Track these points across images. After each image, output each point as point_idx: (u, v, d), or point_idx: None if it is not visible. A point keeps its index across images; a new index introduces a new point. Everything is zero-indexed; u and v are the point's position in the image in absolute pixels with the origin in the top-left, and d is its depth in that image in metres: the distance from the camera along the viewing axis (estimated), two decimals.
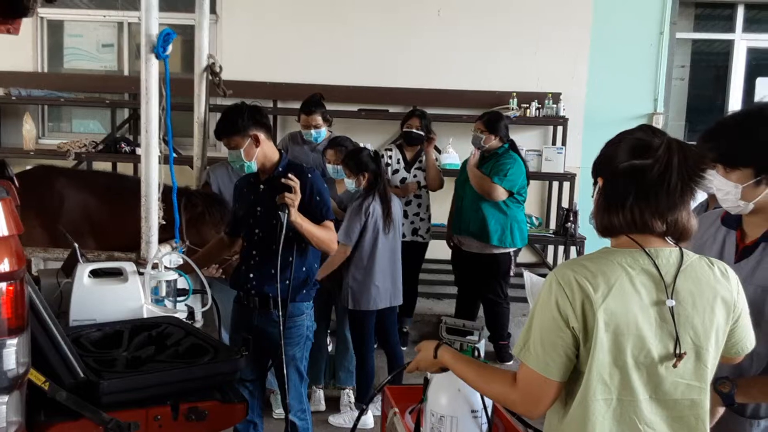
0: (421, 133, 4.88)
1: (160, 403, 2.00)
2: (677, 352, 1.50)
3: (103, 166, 6.22)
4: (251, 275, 3.13)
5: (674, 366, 1.51)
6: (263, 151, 3.08)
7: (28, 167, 4.59)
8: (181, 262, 3.96)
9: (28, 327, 1.74)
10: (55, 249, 3.69)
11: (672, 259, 1.55)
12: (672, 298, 1.51)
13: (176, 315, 2.62)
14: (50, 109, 7.05)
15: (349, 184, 3.98)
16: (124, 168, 6.27)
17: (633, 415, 1.52)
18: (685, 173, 1.52)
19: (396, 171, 4.94)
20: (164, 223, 3.51)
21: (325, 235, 3.07)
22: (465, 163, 4.95)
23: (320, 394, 4.30)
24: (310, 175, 3.10)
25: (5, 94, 6.52)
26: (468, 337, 1.84)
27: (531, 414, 1.60)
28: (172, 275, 2.78)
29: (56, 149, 6.12)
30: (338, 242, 3.64)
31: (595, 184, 1.66)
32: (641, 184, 1.52)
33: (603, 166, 1.63)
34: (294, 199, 2.93)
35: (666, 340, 1.52)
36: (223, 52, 6.55)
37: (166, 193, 3.65)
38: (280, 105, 6.48)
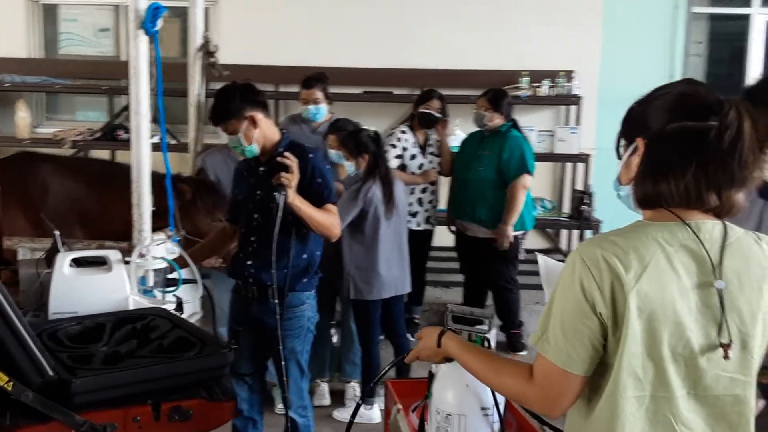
0: (440, 115, 4.68)
1: (139, 403, 1.82)
2: (724, 341, 1.30)
3: (100, 154, 6.03)
4: (249, 263, 2.95)
5: (725, 358, 1.30)
6: (262, 132, 2.88)
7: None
8: (176, 251, 3.80)
9: None
10: (43, 239, 3.51)
11: (715, 234, 1.34)
12: (720, 279, 1.30)
13: (164, 306, 2.44)
14: (47, 97, 6.87)
15: (349, 167, 3.79)
16: (123, 156, 6.08)
17: (668, 413, 1.32)
18: (756, 142, 1.30)
19: (413, 156, 4.71)
20: (153, 209, 3.34)
21: (326, 219, 2.87)
22: (464, 143, 4.76)
23: (325, 387, 4.12)
24: (311, 156, 2.90)
25: None
26: (477, 327, 1.65)
27: (550, 413, 1.40)
28: (161, 264, 2.60)
29: (52, 138, 5.94)
30: None
31: (626, 145, 1.42)
32: (704, 151, 1.30)
33: (642, 124, 1.39)
34: (291, 179, 2.71)
35: (708, 328, 1.31)
36: (222, 34, 6.34)
37: (153, 179, 3.48)
38: (282, 89, 6.27)
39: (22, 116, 5.89)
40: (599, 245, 1.33)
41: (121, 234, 3.51)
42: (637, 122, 1.41)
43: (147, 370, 1.86)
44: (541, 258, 1.93)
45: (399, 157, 4.62)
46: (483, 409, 1.74)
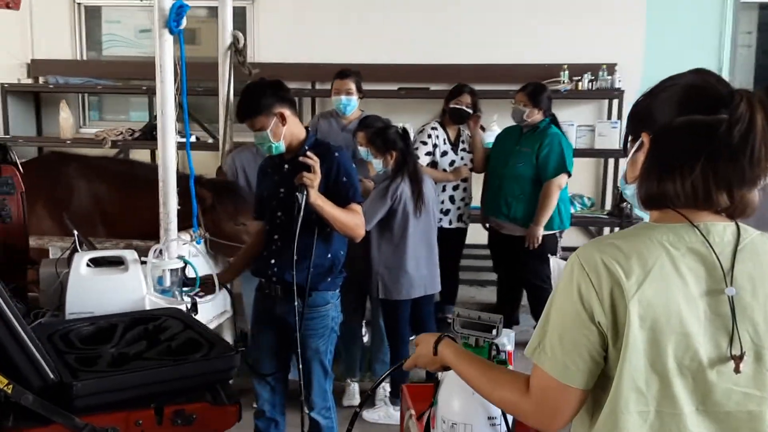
0: (471, 111, 4.59)
1: (142, 406, 1.80)
2: (735, 353, 1.20)
3: (140, 153, 6.13)
4: (272, 261, 2.92)
5: (736, 371, 1.20)
6: (289, 129, 2.85)
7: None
8: (200, 253, 3.80)
9: None
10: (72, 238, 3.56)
11: (727, 237, 1.24)
12: (731, 286, 1.20)
13: (180, 307, 2.42)
14: (92, 98, 7.00)
15: (377, 164, 3.73)
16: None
17: (675, 431, 1.23)
18: None
19: (444, 153, 4.63)
20: (179, 207, 3.34)
21: (350, 219, 2.82)
22: (499, 138, 4.65)
23: (355, 387, 4.08)
24: (337, 154, 2.86)
25: (44, 82, 6.49)
26: (487, 333, 1.57)
27: (547, 428, 1.31)
28: (177, 263, 2.59)
29: (94, 138, 6.05)
30: None
31: (632, 141, 1.33)
32: (713, 147, 1.20)
33: (647, 118, 1.30)
34: (313, 179, 2.68)
35: (718, 338, 1.21)
36: (260, 33, 6.38)
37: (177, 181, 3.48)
38: (318, 86, 6.25)
39: (65, 117, 6.00)
40: (599, 249, 1.24)
41: (145, 233, 3.53)
42: (642, 116, 1.31)
43: (151, 373, 1.83)
44: (553, 260, 1.84)
45: (429, 154, 4.54)
46: (490, 418, 1.66)
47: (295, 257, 2.71)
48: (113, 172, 4.04)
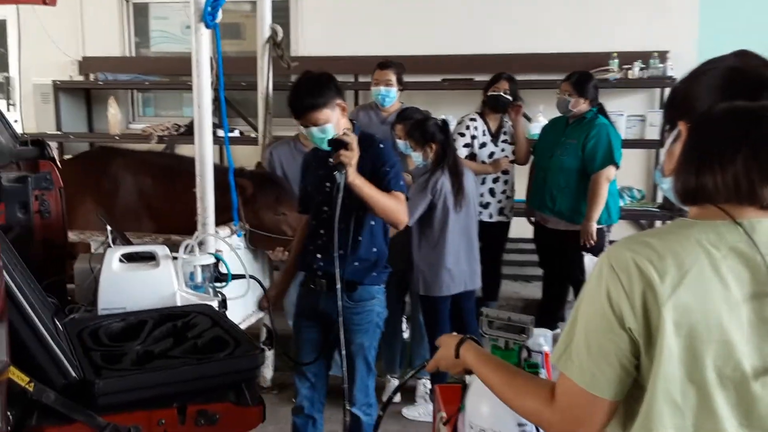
0: (509, 97, 4.47)
1: (165, 405, 1.78)
2: None
3: (186, 149, 6.18)
4: (318, 255, 2.89)
5: None
6: (344, 122, 2.81)
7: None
8: (242, 244, 3.79)
9: (4, 320, 1.54)
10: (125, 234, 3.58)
11: None
12: None
13: (211, 303, 2.40)
14: (146, 94, 7.11)
15: (416, 157, 3.66)
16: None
17: None
18: None
19: (483, 144, 4.53)
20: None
21: (391, 202, 2.73)
22: (544, 129, 4.52)
23: (395, 383, 4.02)
24: (381, 145, 2.81)
25: (94, 79, 6.60)
26: (517, 335, 1.49)
27: None
28: (209, 259, 2.56)
29: (141, 133, 6.13)
30: None
31: (669, 130, 1.26)
32: (756, 135, 1.11)
33: (684, 105, 1.22)
34: (351, 156, 2.59)
35: (763, 347, 1.10)
36: (303, 27, 6.36)
37: (217, 174, 3.48)
38: (361, 79, 6.20)
39: (113, 113, 6.10)
40: (630, 248, 1.15)
41: (190, 228, 3.53)
42: (679, 103, 1.22)
43: (174, 372, 1.80)
44: (587, 258, 1.75)
45: (468, 146, 4.44)
46: (520, 425, 1.59)
47: (337, 244, 2.65)
48: (160, 167, 4.04)
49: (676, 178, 1.21)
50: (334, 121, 2.74)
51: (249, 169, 3.93)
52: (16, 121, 7.35)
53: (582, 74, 4.35)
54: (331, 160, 2.62)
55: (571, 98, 4.23)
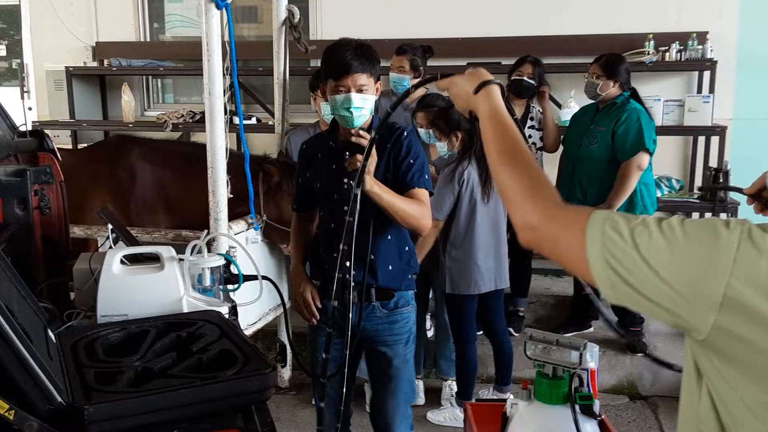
0: (533, 81, 4.22)
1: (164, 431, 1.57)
2: None
3: (202, 136, 5.98)
4: (347, 264, 2.61)
5: None
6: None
7: None
8: (258, 238, 3.60)
9: None
10: (133, 228, 3.39)
11: None
12: None
13: (219, 309, 2.19)
14: (156, 80, 6.92)
15: (441, 147, 3.43)
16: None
17: None
18: None
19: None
20: (230, 196, 3.14)
21: (413, 208, 2.45)
22: (574, 117, 4.26)
23: (419, 384, 3.82)
24: (405, 134, 2.52)
25: (107, 65, 6.42)
26: (564, 358, 1.28)
27: (529, 234, 1.10)
28: (218, 261, 2.35)
29: (156, 121, 5.95)
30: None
31: None
32: None
33: None
34: (369, 163, 2.27)
35: None
36: (323, 10, 6.13)
37: (239, 162, 3.30)
38: (384, 63, 5.95)
39: (127, 100, 5.92)
40: None
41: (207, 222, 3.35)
42: None
43: (173, 395, 1.59)
44: None
45: None
46: None
47: (352, 251, 2.33)
48: (178, 156, 3.83)
49: None
50: (371, 91, 2.46)
51: (272, 158, 3.75)
52: (30, 108, 7.23)
53: (612, 55, 4.10)
54: (347, 160, 2.39)
55: (599, 81, 3.97)
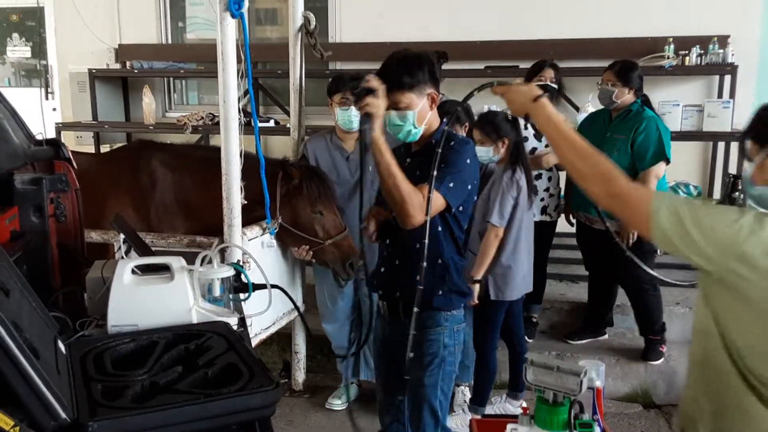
0: (555, 86, 4.20)
1: None
2: None
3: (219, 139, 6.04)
4: (382, 270, 2.59)
5: None
6: (434, 115, 2.44)
7: None
8: (274, 242, 3.62)
9: None
10: (149, 234, 3.43)
11: None
12: None
13: (228, 320, 2.22)
14: (177, 82, 6.99)
15: (484, 152, 3.41)
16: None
17: None
18: None
19: (525, 139, 4.25)
20: (245, 203, 3.17)
21: (409, 188, 2.25)
22: (582, 124, 4.24)
23: None
24: (459, 147, 2.42)
25: (129, 67, 6.50)
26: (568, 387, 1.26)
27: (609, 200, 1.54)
28: (228, 271, 2.37)
29: (176, 123, 6.01)
30: (493, 224, 3.33)
31: (757, 148, 1.46)
32: None
33: None
34: (378, 106, 2.21)
35: None
36: (342, 14, 6.15)
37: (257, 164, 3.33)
38: None
39: (148, 102, 5.98)
40: None
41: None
42: None
43: (177, 411, 1.62)
44: None
45: None
46: None
47: (361, 215, 2.29)
48: (200, 162, 3.81)
49: None
50: (418, 109, 2.38)
51: (292, 161, 3.78)
52: (54, 109, 7.31)
53: (625, 62, 4.06)
54: (358, 103, 2.27)
55: (615, 88, 3.94)
